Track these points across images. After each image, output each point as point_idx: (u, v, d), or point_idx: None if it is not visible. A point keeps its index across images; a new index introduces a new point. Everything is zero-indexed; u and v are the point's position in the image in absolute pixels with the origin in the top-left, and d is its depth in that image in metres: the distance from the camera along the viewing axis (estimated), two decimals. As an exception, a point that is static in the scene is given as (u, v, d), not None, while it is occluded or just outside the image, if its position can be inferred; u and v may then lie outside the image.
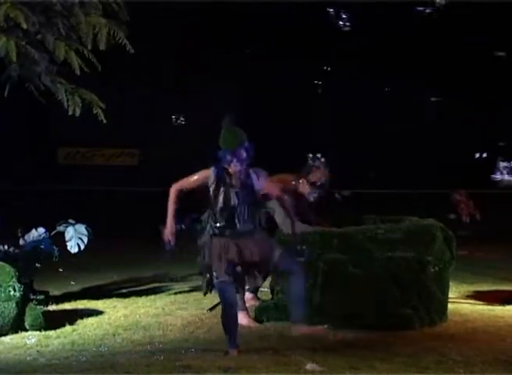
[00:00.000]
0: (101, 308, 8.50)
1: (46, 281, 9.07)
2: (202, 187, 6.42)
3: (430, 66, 25.32)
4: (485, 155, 27.78)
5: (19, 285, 7.46)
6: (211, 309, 8.27)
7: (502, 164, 27.74)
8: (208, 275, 6.40)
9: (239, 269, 6.34)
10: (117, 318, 8.05)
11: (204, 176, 6.40)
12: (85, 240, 8.53)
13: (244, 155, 6.35)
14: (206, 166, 6.42)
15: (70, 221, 8.61)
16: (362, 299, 7.30)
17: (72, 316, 8.00)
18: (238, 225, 6.31)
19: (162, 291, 9.49)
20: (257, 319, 7.75)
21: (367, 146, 24.20)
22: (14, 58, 7.43)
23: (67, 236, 8.51)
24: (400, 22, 24.92)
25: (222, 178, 6.32)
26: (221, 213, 6.32)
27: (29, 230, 8.54)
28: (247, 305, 7.83)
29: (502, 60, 26.73)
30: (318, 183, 8.19)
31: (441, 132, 25.64)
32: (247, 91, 26.21)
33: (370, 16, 24.67)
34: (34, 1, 7.64)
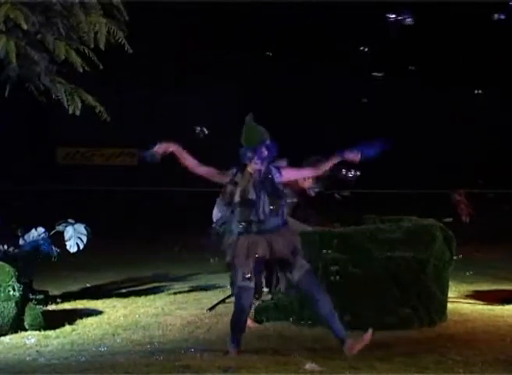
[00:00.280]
0: (100, 308, 8.50)
1: (45, 281, 9.06)
2: (214, 178, 6.37)
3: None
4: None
5: (18, 285, 7.46)
6: (210, 309, 8.31)
7: None
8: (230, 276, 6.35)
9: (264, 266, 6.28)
10: (116, 318, 8.05)
11: (225, 173, 6.35)
12: (84, 239, 8.53)
13: (266, 152, 6.28)
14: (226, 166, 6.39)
15: (69, 221, 8.61)
16: (362, 299, 7.30)
17: (72, 316, 8.00)
18: (263, 220, 6.22)
19: (162, 291, 9.49)
20: (257, 319, 7.76)
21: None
22: (14, 59, 7.43)
23: (66, 235, 8.51)
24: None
25: (243, 179, 6.26)
26: (243, 210, 6.25)
27: (29, 230, 8.53)
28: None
29: None
30: (320, 177, 8.12)
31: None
32: (247, 90, 26.20)
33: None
34: (34, 2, 7.64)
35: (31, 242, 8.29)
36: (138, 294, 9.29)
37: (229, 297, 8.60)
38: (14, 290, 7.40)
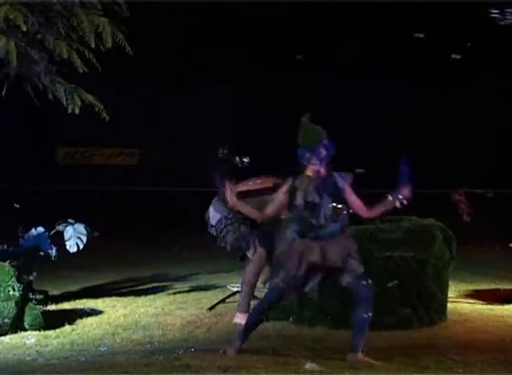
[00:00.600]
0: (100, 308, 8.49)
1: (45, 281, 9.05)
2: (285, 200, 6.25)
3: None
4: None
5: (18, 285, 7.45)
6: (210, 309, 8.31)
7: None
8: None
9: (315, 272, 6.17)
10: (116, 318, 8.05)
11: (282, 191, 6.26)
12: (84, 239, 8.52)
13: (324, 153, 6.18)
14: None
15: (69, 221, 8.60)
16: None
17: (72, 316, 8.00)
18: (323, 225, 6.11)
19: (162, 291, 9.48)
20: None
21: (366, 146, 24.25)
22: (14, 59, 7.42)
23: (66, 235, 8.50)
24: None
25: (302, 183, 6.15)
26: (304, 214, 6.13)
27: (29, 230, 8.53)
28: None
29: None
30: None
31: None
32: (247, 90, 26.19)
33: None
34: (34, 2, 7.62)
35: (31, 242, 8.28)
36: (138, 294, 9.28)
37: (228, 297, 8.61)
38: (14, 290, 7.40)
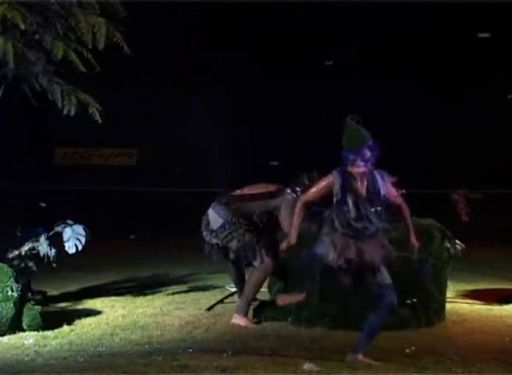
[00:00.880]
0: (99, 308, 8.49)
1: (44, 281, 9.06)
2: (328, 193, 6.24)
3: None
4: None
5: (16, 285, 7.45)
6: (208, 309, 8.31)
7: None
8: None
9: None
10: (115, 318, 8.04)
11: (329, 182, 6.22)
12: (83, 240, 8.51)
13: (368, 154, 6.12)
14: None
15: (68, 221, 8.60)
16: (360, 299, 7.29)
17: (70, 316, 7.99)
18: (364, 226, 6.10)
19: (160, 291, 9.48)
20: (255, 319, 7.76)
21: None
22: (12, 60, 7.42)
23: (65, 236, 8.49)
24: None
25: (347, 182, 6.13)
26: (347, 216, 6.11)
27: (27, 230, 8.53)
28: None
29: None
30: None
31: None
32: (247, 91, 26.19)
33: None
34: (32, 2, 7.63)
35: (29, 242, 8.28)
36: (137, 294, 9.28)
37: (227, 297, 8.60)
38: (12, 290, 7.39)
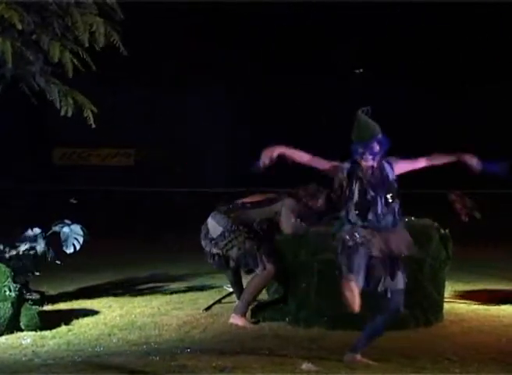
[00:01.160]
0: (96, 308, 8.48)
1: (42, 281, 9.05)
2: (329, 173, 6.15)
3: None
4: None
5: (14, 285, 7.44)
6: (206, 309, 8.31)
7: None
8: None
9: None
10: (113, 318, 8.04)
11: (338, 165, 6.13)
12: (80, 240, 8.52)
13: (377, 148, 6.06)
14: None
15: (66, 221, 8.60)
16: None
17: (68, 316, 7.99)
18: (377, 219, 5.99)
19: (158, 291, 9.47)
20: (253, 319, 7.76)
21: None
22: (10, 59, 7.41)
23: (63, 236, 8.50)
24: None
25: (354, 169, 6.05)
26: (357, 209, 6.01)
27: (25, 231, 8.53)
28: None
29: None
30: (316, 209, 7.88)
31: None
32: (247, 91, 26.19)
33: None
34: (29, 2, 7.63)
35: (27, 242, 8.28)
36: (134, 294, 9.28)
37: (224, 297, 8.59)
38: (10, 290, 7.39)
